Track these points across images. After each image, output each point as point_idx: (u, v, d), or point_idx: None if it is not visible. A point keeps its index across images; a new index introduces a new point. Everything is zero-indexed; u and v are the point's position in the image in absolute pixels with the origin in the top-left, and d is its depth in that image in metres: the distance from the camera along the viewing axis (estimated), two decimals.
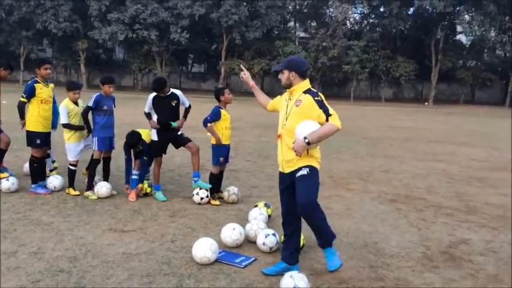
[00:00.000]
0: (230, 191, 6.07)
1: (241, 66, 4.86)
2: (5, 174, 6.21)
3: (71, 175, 6.14)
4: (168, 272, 3.86)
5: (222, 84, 39.23)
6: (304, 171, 3.73)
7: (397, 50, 41.09)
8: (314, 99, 3.68)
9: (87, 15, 37.51)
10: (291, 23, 45.35)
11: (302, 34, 45.23)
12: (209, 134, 6.03)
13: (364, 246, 4.71)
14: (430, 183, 7.80)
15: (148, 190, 6.19)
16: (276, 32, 41.12)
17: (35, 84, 5.90)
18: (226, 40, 38.31)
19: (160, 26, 36.54)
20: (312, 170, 3.77)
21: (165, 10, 35.86)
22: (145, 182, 6.25)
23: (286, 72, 3.80)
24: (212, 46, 44.36)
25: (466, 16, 35.20)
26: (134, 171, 6.17)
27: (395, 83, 40.69)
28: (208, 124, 5.85)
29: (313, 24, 42.36)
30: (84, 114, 5.99)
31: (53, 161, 7.00)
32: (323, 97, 3.76)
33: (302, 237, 4.42)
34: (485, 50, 39.85)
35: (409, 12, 38.51)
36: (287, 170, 3.85)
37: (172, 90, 6.06)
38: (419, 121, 20.95)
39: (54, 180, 6.20)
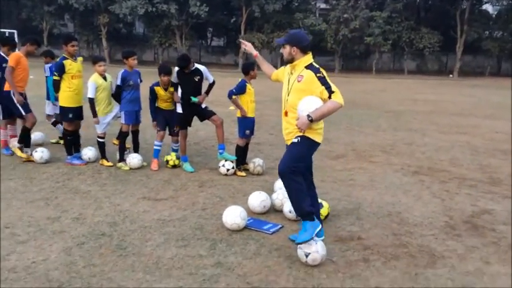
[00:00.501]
0: (255, 162, 6.24)
1: (240, 39, 4.90)
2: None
3: (101, 147, 6.40)
4: (201, 237, 4.09)
5: (242, 58, 39.12)
6: (295, 140, 3.81)
7: (421, 20, 40.05)
8: (316, 75, 3.69)
9: None
10: None
11: (323, 5, 44.33)
12: (232, 107, 6.18)
13: (388, 216, 4.85)
14: (454, 156, 7.83)
15: (177, 162, 6.41)
16: (296, 4, 40.43)
17: (64, 61, 6.10)
18: (246, 13, 37.92)
19: (179, 0, 36.38)
20: (303, 139, 3.79)
21: None
22: (173, 153, 6.47)
23: (287, 47, 3.80)
24: (231, 19, 43.99)
25: None
26: (157, 142, 6.38)
27: (418, 55, 39.83)
28: (233, 96, 5.99)
29: None
30: (116, 95, 6.23)
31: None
32: (325, 73, 3.75)
33: (327, 205, 4.60)
34: None
35: None
36: (288, 142, 3.95)
37: (196, 65, 6.17)
38: (443, 94, 20.65)
39: (89, 152, 6.48)
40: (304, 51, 3.79)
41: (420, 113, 13.50)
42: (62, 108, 6.25)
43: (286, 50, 3.83)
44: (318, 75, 3.70)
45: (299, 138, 3.79)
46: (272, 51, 40.66)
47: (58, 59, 6.30)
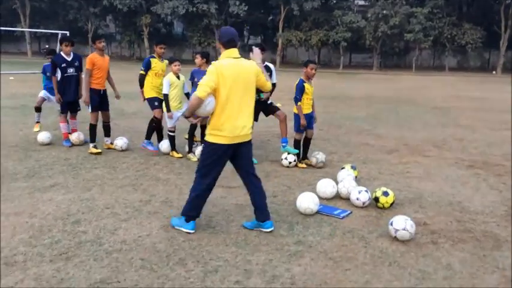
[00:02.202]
0: (318, 158, 6.53)
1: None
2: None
3: (171, 140, 6.93)
4: (278, 220, 4.50)
5: (279, 56, 39.57)
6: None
7: (463, 16, 39.27)
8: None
9: None
10: None
11: (361, 2, 44.15)
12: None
13: (449, 205, 5.11)
14: (506, 151, 7.95)
15: None
16: (334, 1, 40.48)
17: (151, 59, 6.90)
18: (284, 11, 38.30)
19: (219, 0, 37.13)
20: (205, 144, 4.08)
21: None
22: None
23: (217, 43, 4.05)
24: (268, 17, 44.47)
25: None
26: None
27: (460, 51, 39.12)
28: (298, 103, 6.35)
29: None
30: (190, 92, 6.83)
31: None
32: (211, 67, 3.83)
33: (392, 194, 4.91)
34: None
35: None
36: None
37: (266, 63, 6.60)
38: (487, 91, 20.35)
39: (164, 144, 7.06)
40: (225, 47, 3.89)
41: (467, 110, 13.50)
42: (148, 99, 6.98)
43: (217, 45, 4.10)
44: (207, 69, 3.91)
45: (205, 142, 4.09)
46: (309, 48, 40.89)
47: (146, 58, 7.07)
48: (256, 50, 4.41)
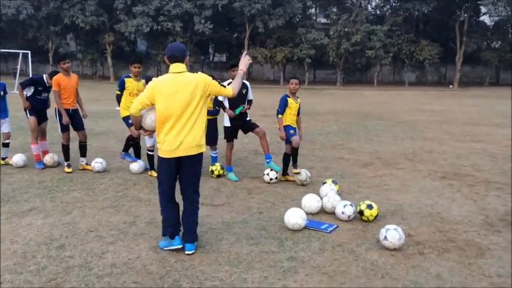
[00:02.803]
0: (307, 174, 6.53)
1: (246, 52, 4.73)
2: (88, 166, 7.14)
3: (150, 159, 6.85)
4: (267, 236, 4.50)
5: (245, 73, 39.91)
6: None
7: (420, 33, 41.03)
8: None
9: (112, 8, 38.39)
10: (312, 10, 45.47)
11: (323, 20, 45.37)
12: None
13: (429, 216, 5.27)
14: (475, 162, 8.29)
15: (221, 171, 6.85)
16: (298, 19, 41.36)
17: (125, 79, 6.84)
18: (249, 29, 38.76)
19: (184, 17, 37.20)
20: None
21: (188, 1, 36.46)
22: (217, 164, 6.91)
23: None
24: (234, 35, 44.87)
25: None
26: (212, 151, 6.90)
27: (418, 66, 40.66)
28: (279, 115, 6.45)
29: (334, 10, 42.42)
30: None
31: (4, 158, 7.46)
32: (149, 83, 3.96)
33: (376, 207, 5.02)
34: (510, 31, 39.45)
35: None
36: None
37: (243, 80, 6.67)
38: (448, 104, 21.22)
39: (135, 166, 7.00)
40: (169, 62, 3.97)
41: (431, 123, 14.00)
42: (124, 118, 6.89)
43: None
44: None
45: None
46: (275, 65, 41.48)
47: (121, 77, 7.00)
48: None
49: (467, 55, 38.29)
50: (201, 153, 4.06)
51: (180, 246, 4.05)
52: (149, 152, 6.84)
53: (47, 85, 7.28)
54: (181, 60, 3.94)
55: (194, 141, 3.93)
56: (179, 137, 3.88)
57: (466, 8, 37.78)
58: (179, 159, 3.94)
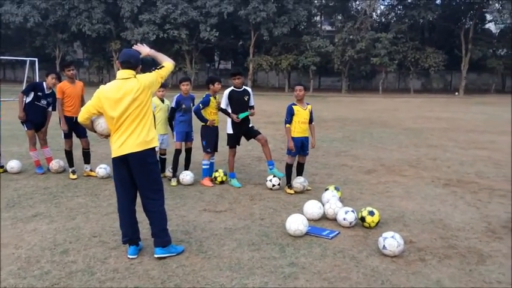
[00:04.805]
0: (304, 184, 6.49)
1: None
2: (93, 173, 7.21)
3: (162, 163, 6.98)
4: (269, 242, 4.53)
5: (250, 80, 40.00)
6: None
7: (425, 40, 41.02)
8: None
9: (119, 16, 38.74)
10: (317, 18, 45.63)
11: (328, 28, 45.48)
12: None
13: (431, 222, 5.27)
14: (479, 169, 8.27)
15: (224, 178, 6.88)
16: (303, 27, 41.49)
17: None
18: (254, 37, 38.93)
19: (189, 25, 37.45)
20: None
21: (194, 9, 36.71)
22: (220, 170, 6.95)
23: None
24: (239, 43, 45.10)
25: (496, 4, 34.85)
26: (205, 161, 6.88)
27: (424, 74, 40.57)
28: (287, 125, 6.43)
29: (339, 17, 42.54)
30: (170, 117, 6.89)
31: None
32: (96, 92, 4.02)
33: (378, 213, 5.03)
34: None
35: (437, 2, 38.38)
36: None
37: (244, 87, 6.74)
38: (453, 111, 21.17)
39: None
40: (121, 66, 4.04)
41: (436, 130, 13.99)
42: None
43: None
44: None
45: None
46: (280, 72, 41.60)
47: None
48: None
49: (473, 62, 38.17)
50: (149, 149, 4.00)
51: (131, 257, 4.04)
52: (162, 156, 6.95)
53: (46, 92, 7.21)
54: (133, 68, 4.02)
55: (139, 138, 3.95)
56: (123, 136, 3.95)
57: (472, 16, 37.75)
58: (127, 159, 3.95)
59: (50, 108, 7.42)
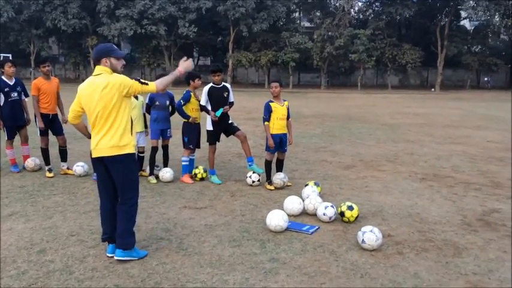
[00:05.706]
0: (284, 179, 6.52)
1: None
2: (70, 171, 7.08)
3: (140, 161, 6.86)
4: (250, 238, 4.54)
5: (230, 77, 39.88)
6: None
7: (402, 37, 41.62)
8: None
9: (95, 11, 38.09)
10: (296, 14, 45.79)
11: (307, 24, 45.69)
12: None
13: (409, 216, 5.37)
14: (454, 164, 8.45)
15: (204, 175, 6.86)
16: (282, 23, 41.57)
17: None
18: (233, 33, 38.84)
19: (168, 21, 37.09)
20: None
21: (172, 4, 36.38)
22: (200, 167, 6.91)
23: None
24: (218, 39, 44.91)
25: (471, 1, 35.57)
26: (184, 158, 6.84)
27: (401, 70, 41.16)
28: (265, 123, 6.42)
29: (318, 14, 42.80)
30: (145, 113, 6.82)
31: None
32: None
33: (356, 208, 5.09)
34: (490, 35, 40.32)
35: None
36: None
37: (223, 83, 6.71)
38: (429, 107, 21.56)
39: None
40: (94, 64, 3.98)
41: (413, 126, 14.22)
42: None
43: None
44: None
45: None
46: (259, 69, 41.61)
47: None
48: None
49: (449, 59, 38.93)
50: (122, 155, 3.87)
51: (110, 255, 3.98)
52: (139, 154, 6.84)
53: (11, 83, 6.92)
54: (97, 63, 3.92)
55: (110, 142, 3.85)
56: (96, 137, 3.90)
57: (447, 13, 38.45)
58: (103, 160, 3.90)
59: (23, 97, 7.18)
